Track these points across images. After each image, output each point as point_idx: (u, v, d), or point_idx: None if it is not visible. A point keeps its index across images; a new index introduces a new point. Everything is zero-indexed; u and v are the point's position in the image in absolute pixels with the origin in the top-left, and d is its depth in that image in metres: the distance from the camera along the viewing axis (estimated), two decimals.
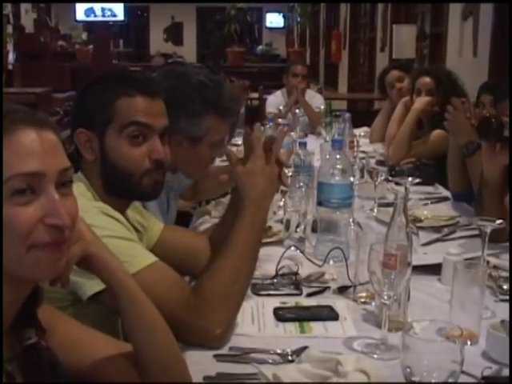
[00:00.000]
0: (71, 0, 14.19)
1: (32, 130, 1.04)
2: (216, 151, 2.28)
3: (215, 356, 1.52)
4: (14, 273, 1.05)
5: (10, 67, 13.64)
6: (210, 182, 2.63)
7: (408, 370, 1.15)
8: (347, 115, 3.78)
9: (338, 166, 2.15)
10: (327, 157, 2.24)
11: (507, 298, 1.84)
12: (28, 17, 18.08)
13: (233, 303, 1.61)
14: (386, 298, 1.56)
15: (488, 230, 1.88)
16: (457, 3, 5.81)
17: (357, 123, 4.30)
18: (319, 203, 2.20)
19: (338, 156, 2.17)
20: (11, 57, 14.70)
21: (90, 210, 1.53)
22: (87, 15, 13.98)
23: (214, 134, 2.21)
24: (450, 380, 1.14)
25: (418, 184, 2.77)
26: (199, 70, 2.29)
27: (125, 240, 1.57)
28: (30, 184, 1.02)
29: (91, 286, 1.45)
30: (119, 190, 1.72)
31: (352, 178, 2.28)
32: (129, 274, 1.29)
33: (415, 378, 1.14)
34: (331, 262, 2.09)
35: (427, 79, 3.86)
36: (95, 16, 13.90)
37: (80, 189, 1.61)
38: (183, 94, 2.15)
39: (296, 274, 1.99)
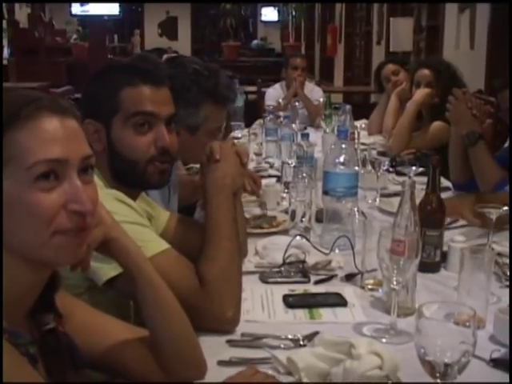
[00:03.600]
0: (66, 0, 14.18)
1: (56, 117, 1.06)
2: (213, 139, 2.30)
3: (228, 341, 1.55)
4: (36, 258, 1.06)
5: (5, 62, 13.59)
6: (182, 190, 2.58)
7: (422, 350, 1.18)
8: (348, 107, 3.81)
9: (344, 156, 2.18)
10: (332, 147, 2.26)
11: None
12: (22, 12, 18.01)
13: (235, 283, 1.66)
14: (395, 283, 1.58)
15: (493, 217, 1.91)
16: None
17: (354, 116, 4.32)
18: (325, 192, 2.22)
19: (343, 146, 2.19)
20: (6, 52, 14.66)
21: (104, 196, 1.53)
22: (82, 10, 13.94)
23: (212, 122, 2.24)
24: (463, 359, 1.16)
25: (419, 174, 2.79)
26: (195, 59, 2.31)
27: (139, 225, 1.59)
28: (54, 170, 1.04)
29: (107, 270, 1.48)
30: (126, 179, 1.74)
31: (357, 168, 2.30)
32: (147, 259, 1.32)
33: (429, 358, 1.17)
34: (337, 251, 2.12)
35: (426, 71, 3.87)
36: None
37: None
38: (180, 84, 2.16)
39: (303, 262, 2.01)
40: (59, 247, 1.06)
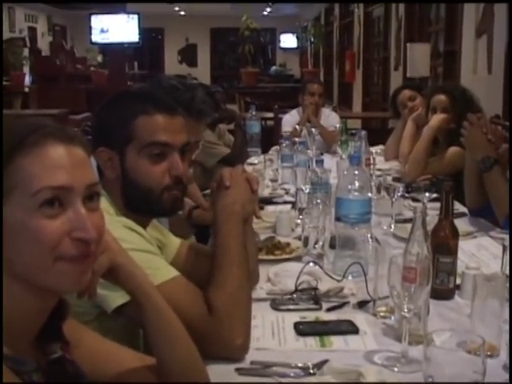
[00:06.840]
0: (79, 0, 14.31)
1: (61, 144, 1.07)
2: (190, 154, 2.31)
3: (237, 370, 1.54)
4: (40, 284, 1.07)
5: (27, 90, 13.80)
6: None
7: (430, 379, 1.16)
8: (363, 133, 3.80)
9: (356, 182, 2.17)
10: (345, 173, 2.25)
11: None
12: (44, 40, 18.34)
13: (244, 310, 1.64)
14: (406, 311, 1.56)
15: (507, 244, 1.89)
16: (470, 20, 5.83)
17: (372, 142, 4.32)
18: (337, 219, 2.21)
19: (355, 172, 2.18)
20: (27, 79, 14.88)
21: (113, 224, 1.55)
22: (102, 37, 14.11)
23: (189, 136, 2.24)
24: None
25: (434, 200, 2.77)
26: (173, 77, 2.33)
27: (148, 253, 1.60)
28: (59, 197, 1.04)
29: (115, 298, 1.48)
30: (139, 206, 1.75)
31: (370, 194, 2.29)
32: (154, 286, 1.31)
33: None
34: (350, 278, 2.10)
35: (442, 97, 3.86)
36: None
37: (103, 204, 1.62)
38: None
39: (315, 289, 2.00)
40: (62, 273, 1.06)
